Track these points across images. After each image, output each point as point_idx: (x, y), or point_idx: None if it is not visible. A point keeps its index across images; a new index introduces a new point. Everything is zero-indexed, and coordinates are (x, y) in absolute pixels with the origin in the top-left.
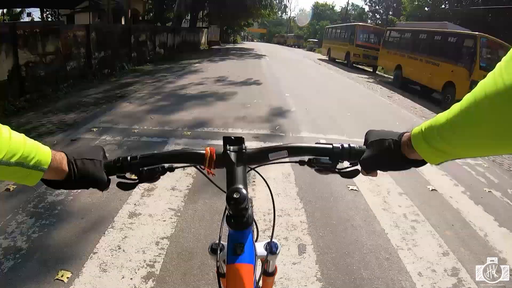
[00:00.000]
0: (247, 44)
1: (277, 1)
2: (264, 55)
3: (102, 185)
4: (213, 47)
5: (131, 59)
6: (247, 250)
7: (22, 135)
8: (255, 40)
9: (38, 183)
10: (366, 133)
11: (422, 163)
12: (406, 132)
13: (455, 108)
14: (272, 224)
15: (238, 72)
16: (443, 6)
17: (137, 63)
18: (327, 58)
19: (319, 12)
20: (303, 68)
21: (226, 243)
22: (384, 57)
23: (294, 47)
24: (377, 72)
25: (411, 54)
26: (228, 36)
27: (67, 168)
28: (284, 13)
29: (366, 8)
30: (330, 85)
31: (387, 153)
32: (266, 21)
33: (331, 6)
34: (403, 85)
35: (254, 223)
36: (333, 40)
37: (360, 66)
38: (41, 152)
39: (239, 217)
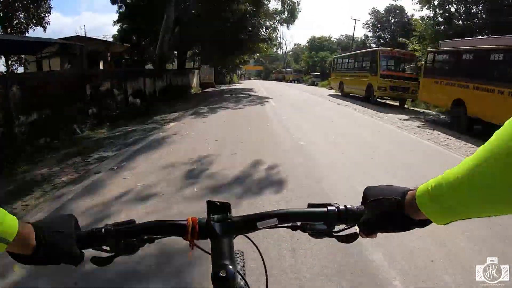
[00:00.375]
0: (244, 83)
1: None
2: (267, 97)
3: (75, 260)
4: (206, 90)
5: (87, 118)
6: None
7: None
8: (252, 78)
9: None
10: (365, 190)
11: (428, 222)
12: (410, 190)
13: (467, 164)
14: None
15: (234, 139)
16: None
17: (98, 123)
18: (339, 93)
19: (317, 44)
20: (320, 112)
21: None
22: (430, 89)
23: (294, 82)
24: (405, 106)
25: (480, 83)
26: (223, 76)
27: (34, 242)
28: (280, 49)
29: (370, 34)
30: (364, 135)
31: (388, 215)
32: (262, 58)
33: (328, 38)
34: (468, 127)
35: (245, 283)
36: (345, 71)
37: (382, 100)
38: (6, 222)
39: None
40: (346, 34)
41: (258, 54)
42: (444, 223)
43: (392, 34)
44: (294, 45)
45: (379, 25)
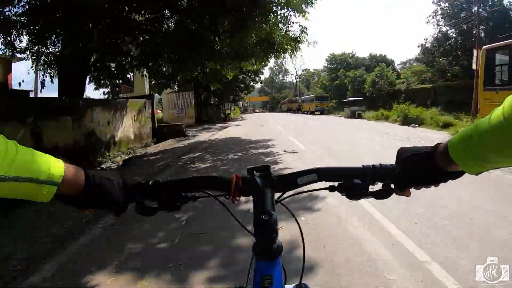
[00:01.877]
0: (249, 118)
1: (279, 62)
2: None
3: (119, 207)
4: (160, 145)
5: None
6: (276, 284)
7: (31, 149)
8: (257, 111)
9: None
10: (398, 150)
11: (460, 174)
12: (440, 143)
13: (497, 113)
14: (301, 264)
15: None
16: None
17: None
18: None
19: (339, 63)
20: None
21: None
22: None
23: (315, 113)
24: None
25: None
26: (215, 110)
27: (83, 182)
28: (287, 76)
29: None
30: None
31: (421, 167)
32: (266, 87)
33: (351, 55)
34: None
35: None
36: None
37: None
38: (53, 165)
39: (268, 243)
40: (374, 54)
41: (280, 58)
42: (477, 173)
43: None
44: (303, 71)
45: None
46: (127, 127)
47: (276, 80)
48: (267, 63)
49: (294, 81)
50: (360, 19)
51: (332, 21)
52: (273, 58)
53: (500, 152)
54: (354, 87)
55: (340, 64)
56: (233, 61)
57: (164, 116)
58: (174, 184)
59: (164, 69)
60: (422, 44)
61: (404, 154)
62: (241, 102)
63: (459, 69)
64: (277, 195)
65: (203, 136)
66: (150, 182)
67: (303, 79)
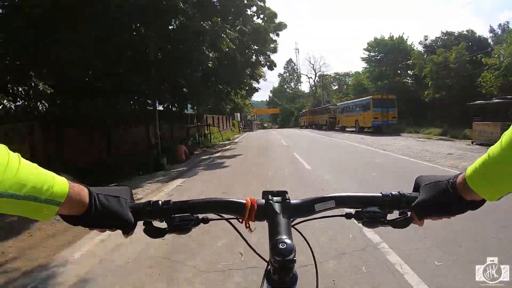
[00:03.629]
0: (246, 145)
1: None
2: None
3: (127, 227)
4: None
5: None
6: None
7: (35, 165)
8: (266, 125)
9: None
10: (417, 179)
11: (480, 203)
12: (460, 173)
13: (509, 135)
14: None
15: None
16: None
17: None
18: None
19: (388, 51)
20: None
21: None
22: None
23: (368, 131)
24: None
25: None
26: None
27: (87, 201)
28: (299, 84)
29: None
30: None
31: (443, 196)
32: (276, 98)
33: (399, 38)
34: None
35: None
36: None
37: None
38: (57, 183)
39: (284, 272)
40: (447, 30)
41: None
42: (496, 199)
43: None
44: (320, 76)
45: None
46: None
47: (288, 90)
48: None
49: (309, 85)
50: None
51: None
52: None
53: None
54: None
55: (389, 53)
56: None
57: None
58: (185, 205)
59: None
60: None
61: (423, 183)
62: (239, 114)
63: None
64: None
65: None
66: (160, 202)
67: (321, 85)
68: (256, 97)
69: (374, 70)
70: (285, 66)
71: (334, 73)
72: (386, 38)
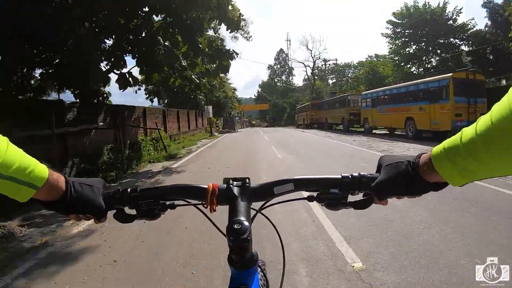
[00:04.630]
0: (222, 159)
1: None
2: None
3: (99, 213)
4: None
5: None
6: None
7: (21, 150)
8: (254, 122)
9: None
10: (380, 159)
11: (443, 185)
12: (423, 153)
13: (485, 121)
14: (281, 275)
15: None
16: None
17: None
18: None
19: (423, 24)
20: None
21: None
22: None
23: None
24: None
25: None
26: None
27: (63, 188)
28: (291, 76)
29: None
30: None
31: (403, 177)
32: (265, 93)
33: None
34: None
35: (266, 280)
36: None
37: None
38: (38, 169)
39: (241, 252)
40: None
41: None
42: (461, 184)
43: None
44: (323, 61)
45: None
46: None
47: (279, 83)
48: None
49: (305, 76)
50: None
51: None
52: None
53: (488, 162)
54: None
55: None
56: None
57: None
58: (152, 192)
59: None
60: None
61: (385, 163)
62: (210, 108)
63: None
64: (258, 205)
65: None
66: (129, 190)
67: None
68: (244, 94)
69: (400, 48)
70: (276, 57)
71: (344, 62)
72: (421, 6)
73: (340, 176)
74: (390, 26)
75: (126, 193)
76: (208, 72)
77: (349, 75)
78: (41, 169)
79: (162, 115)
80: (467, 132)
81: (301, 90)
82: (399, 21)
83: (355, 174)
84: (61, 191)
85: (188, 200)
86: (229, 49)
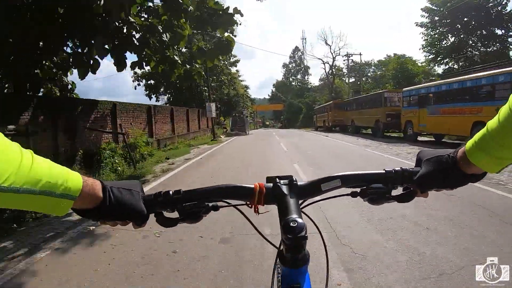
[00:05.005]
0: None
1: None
2: None
3: (140, 218)
4: None
5: None
6: None
7: (48, 160)
8: (268, 123)
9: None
10: (418, 153)
11: (481, 176)
12: (460, 148)
13: (505, 111)
14: (325, 276)
15: None
16: None
17: None
18: None
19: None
20: None
21: None
22: None
23: None
24: None
25: None
26: None
27: (101, 195)
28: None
29: None
30: None
31: (445, 170)
32: (280, 94)
33: None
34: None
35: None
36: None
37: None
38: (70, 178)
39: (296, 250)
40: None
41: None
42: (497, 171)
43: None
44: (345, 57)
45: None
46: None
47: (294, 83)
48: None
49: (324, 74)
50: None
51: None
52: None
53: None
54: None
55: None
56: None
57: None
58: (196, 194)
59: None
60: None
61: (425, 157)
62: (213, 105)
63: None
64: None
65: None
66: (171, 192)
67: (336, 73)
68: (257, 94)
69: (436, 41)
70: (291, 55)
71: (364, 60)
72: None
73: (384, 171)
74: (426, 14)
75: (168, 195)
76: (203, 52)
77: (369, 74)
78: (75, 178)
79: (146, 114)
80: (492, 123)
81: (318, 90)
82: (436, 9)
83: (397, 168)
84: (98, 198)
85: (230, 201)
86: (228, 8)
